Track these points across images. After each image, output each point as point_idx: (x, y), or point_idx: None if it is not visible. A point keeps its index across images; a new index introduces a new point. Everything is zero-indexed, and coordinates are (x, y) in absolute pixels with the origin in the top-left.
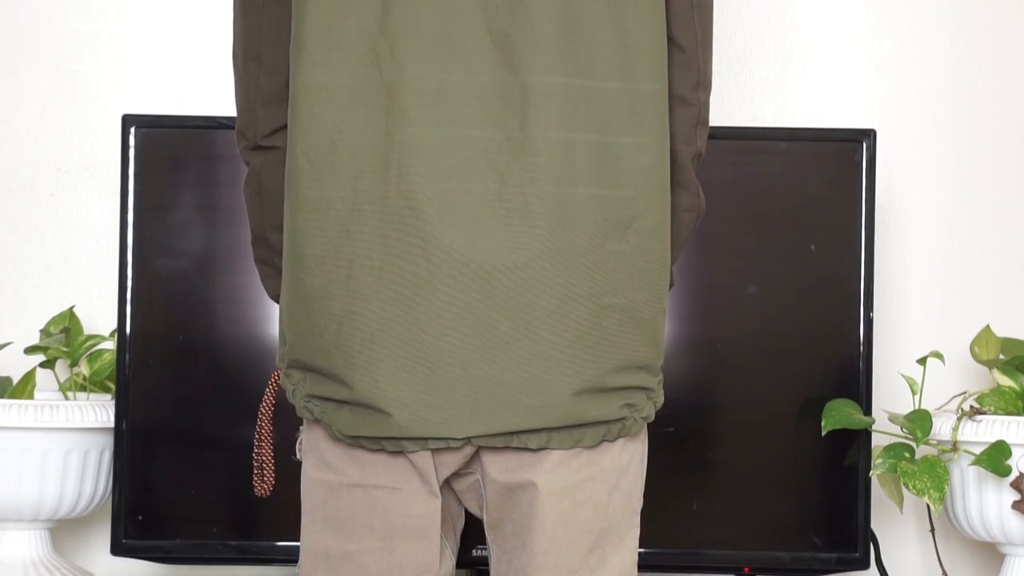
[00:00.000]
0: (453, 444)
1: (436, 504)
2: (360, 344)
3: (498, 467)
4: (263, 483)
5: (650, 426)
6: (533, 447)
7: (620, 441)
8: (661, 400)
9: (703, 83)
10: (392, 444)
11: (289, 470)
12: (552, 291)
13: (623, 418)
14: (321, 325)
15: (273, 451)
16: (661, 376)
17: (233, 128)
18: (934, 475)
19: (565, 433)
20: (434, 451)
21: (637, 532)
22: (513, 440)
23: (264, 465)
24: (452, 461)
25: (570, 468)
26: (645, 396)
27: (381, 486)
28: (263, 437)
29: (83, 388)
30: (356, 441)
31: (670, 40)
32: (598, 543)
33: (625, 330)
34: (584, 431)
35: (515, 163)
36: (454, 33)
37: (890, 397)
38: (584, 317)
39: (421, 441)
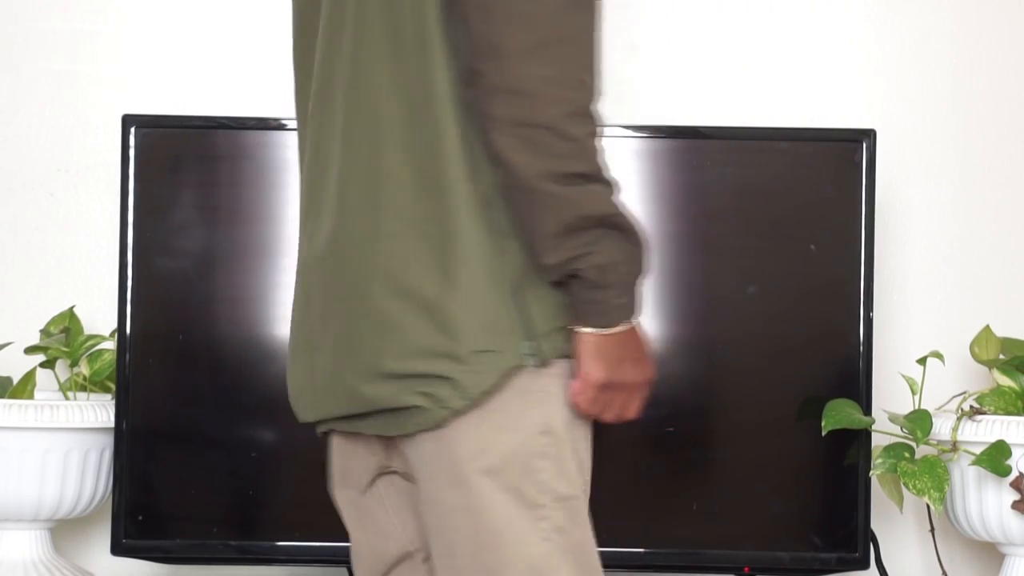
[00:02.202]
0: (318, 428)
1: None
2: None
3: (399, 460)
4: None
5: (650, 426)
6: (368, 433)
7: (484, 432)
8: (477, 390)
9: (485, 52)
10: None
11: (291, 470)
12: (339, 282)
13: (419, 407)
14: None
15: None
16: (477, 367)
17: (231, 128)
18: (934, 475)
19: (389, 418)
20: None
21: (545, 525)
22: (354, 425)
23: None
24: (378, 449)
25: (424, 459)
26: (450, 387)
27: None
28: None
29: (83, 388)
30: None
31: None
32: (487, 544)
33: (406, 316)
34: (404, 418)
35: (324, 172)
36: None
37: (890, 397)
38: (362, 305)
39: (308, 424)
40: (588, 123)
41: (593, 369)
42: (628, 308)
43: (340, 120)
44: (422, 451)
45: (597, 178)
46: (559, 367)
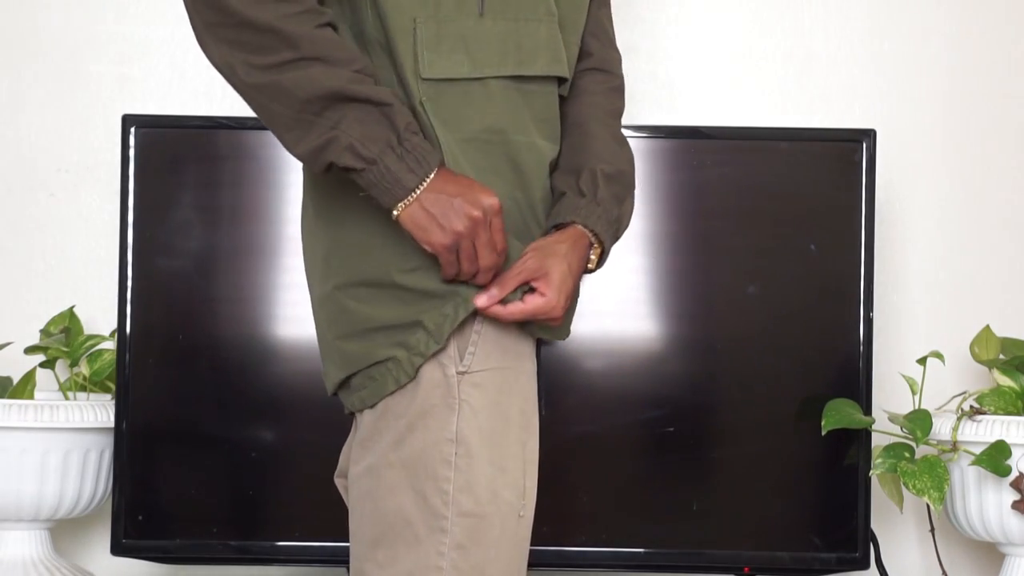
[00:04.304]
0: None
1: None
2: None
3: None
4: None
5: (650, 426)
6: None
7: (402, 431)
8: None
9: None
10: None
11: (291, 470)
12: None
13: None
14: None
15: None
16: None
17: (231, 128)
18: (934, 475)
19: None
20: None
21: (445, 539)
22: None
23: None
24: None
25: (358, 439)
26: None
27: None
28: None
29: (83, 388)
30: None
31: None
32: (384, 538)
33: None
34: (352, 393)
35: None
36: None
37: (890, 397)
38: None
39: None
40: (274, 5)
41: (431, 239)
42: (414, 165)
43: None
44: (360, 428)
45: (310, 58)
46: (485, 376)
